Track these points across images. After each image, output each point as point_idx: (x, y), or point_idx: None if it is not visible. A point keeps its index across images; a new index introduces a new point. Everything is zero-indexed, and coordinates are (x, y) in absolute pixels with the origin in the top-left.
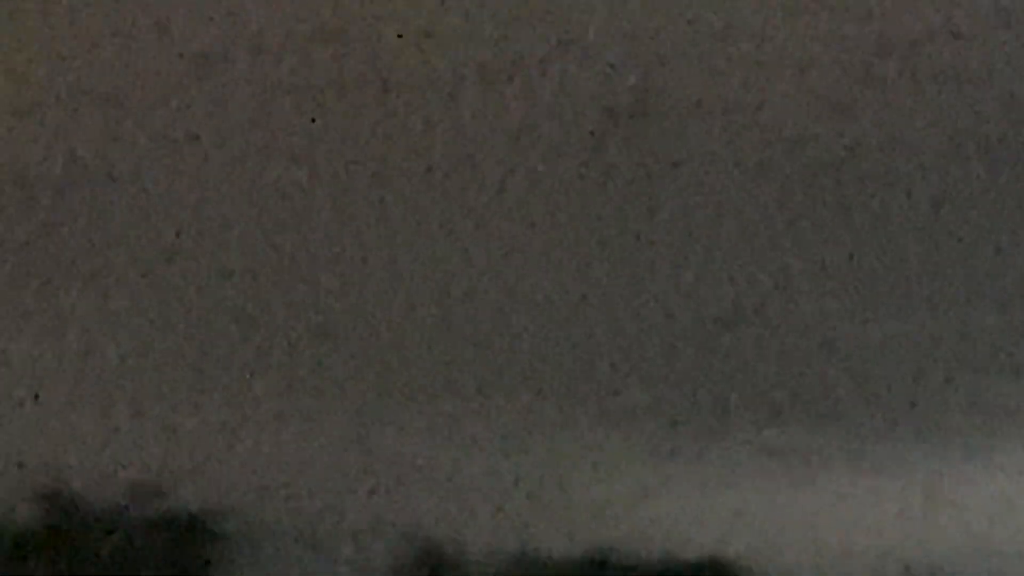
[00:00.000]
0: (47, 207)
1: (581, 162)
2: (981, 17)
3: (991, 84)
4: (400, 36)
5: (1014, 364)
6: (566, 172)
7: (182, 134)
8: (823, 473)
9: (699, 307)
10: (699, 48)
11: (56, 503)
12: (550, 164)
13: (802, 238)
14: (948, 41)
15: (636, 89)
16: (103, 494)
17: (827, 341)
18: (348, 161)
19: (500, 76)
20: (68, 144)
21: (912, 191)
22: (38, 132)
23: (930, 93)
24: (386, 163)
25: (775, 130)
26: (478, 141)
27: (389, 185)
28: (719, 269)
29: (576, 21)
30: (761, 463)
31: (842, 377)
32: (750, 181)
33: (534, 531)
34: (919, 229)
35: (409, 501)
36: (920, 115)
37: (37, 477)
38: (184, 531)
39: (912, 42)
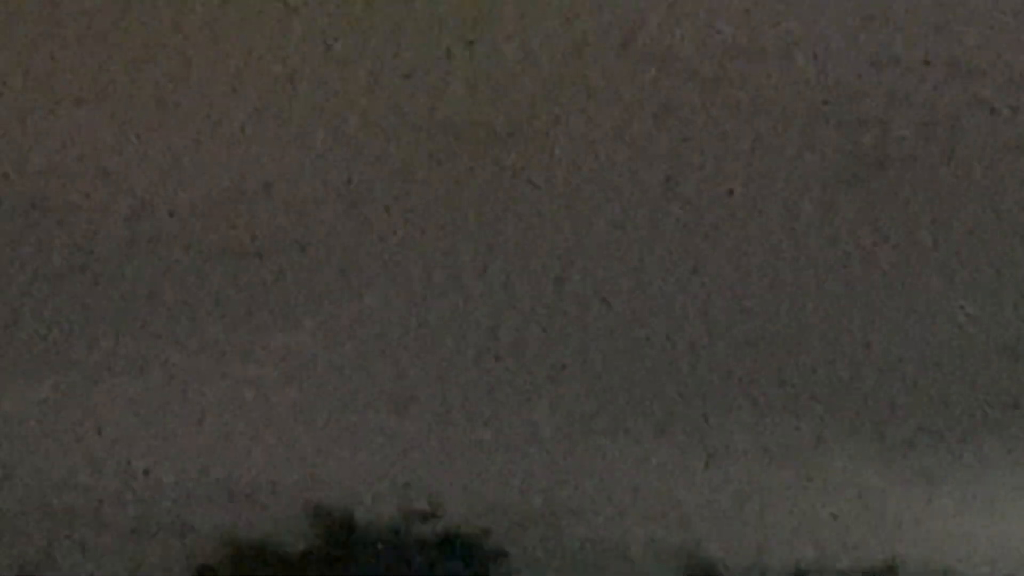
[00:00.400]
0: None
1: None
2: None
3: None
4: None
5: None
6: None
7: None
8: None
9: None
10: None
11: (333, 524)
12: None
13: None
14: None
15: None
16: (380, 515)
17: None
18: None
19: None
20: None
21: None
22: None
23: None
24: None
25: None
26: None
27: None
28: None
29: None
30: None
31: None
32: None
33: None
34: None
35: (684, 522)
36: None
37: (316, 498)
38: (460, 551)
39: None
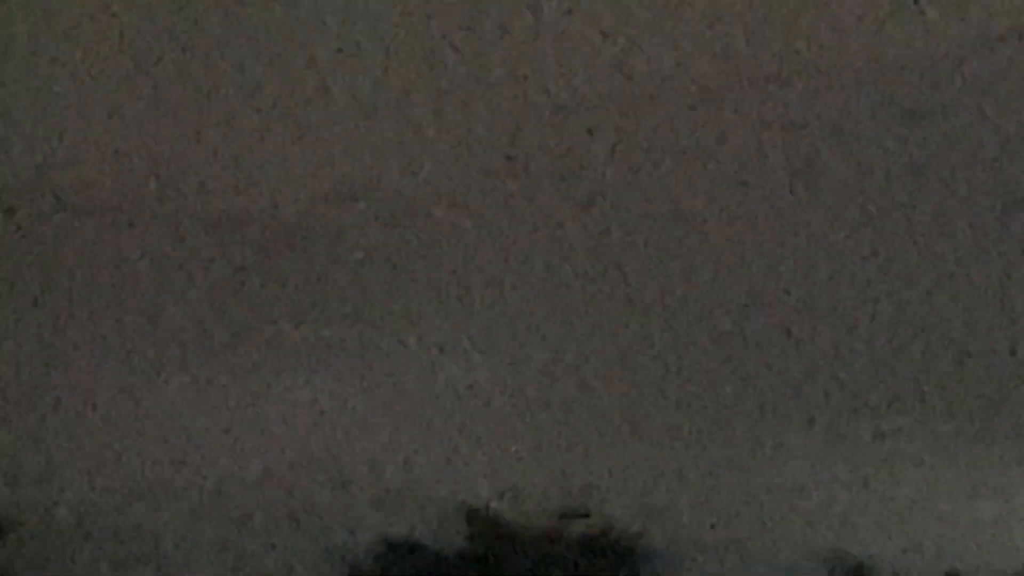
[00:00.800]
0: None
1: None
2: None
3: None
4: None
5: None
6: None
7: None
8: None
9: None
10: None
11: (488, 526)
12: None
13: None
14: None
15: None
16: (532, 516)
17: None
18: None
19: None
20: None
21: None
22: None
23: None
24: None
25: None
26: None
27: None
28: None
29: None
30: None
31: None
32: None
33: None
34: None
35: (837, 521)
36: None
37: (469, 501)
38: (612, 551)
39: None
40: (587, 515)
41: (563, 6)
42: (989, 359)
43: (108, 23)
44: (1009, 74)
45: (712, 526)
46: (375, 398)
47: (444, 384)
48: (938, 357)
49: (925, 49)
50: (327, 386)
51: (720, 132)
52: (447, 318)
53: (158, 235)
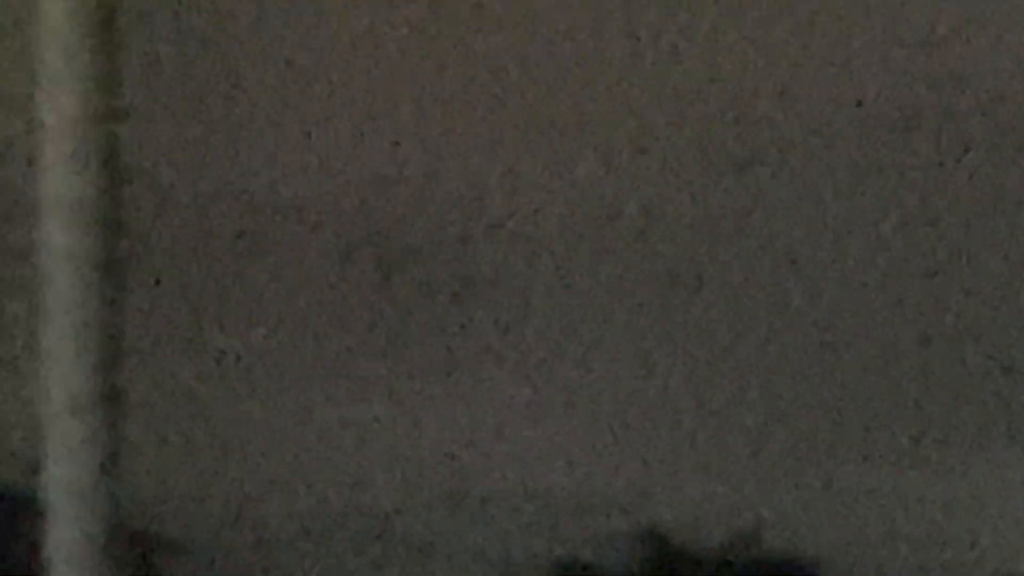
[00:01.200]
0: None
1: None
2: None
3: None
4: None
5: None
6: None
7: None
8: None
9: None
10: None
11: (652, 546)
12: None
13: None
14: None
15: None
16: (700, 538)
17: None
18: None
19: None
20: None
21: None
22: None
23: None
24: None
25: None
26: None
27: None
28: None
29: None
30: None
31: None
32: None
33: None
34: None
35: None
36: None
37: (634, 519)
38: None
39: None
40: (760, 540)
41: None
42: None
43: None
44: None
45: (873, 550)
46: (539, 415)
47: (615, 404)
48: None
49: None
50: (481, 402)
51: None
52: (623, 333)
53: None
